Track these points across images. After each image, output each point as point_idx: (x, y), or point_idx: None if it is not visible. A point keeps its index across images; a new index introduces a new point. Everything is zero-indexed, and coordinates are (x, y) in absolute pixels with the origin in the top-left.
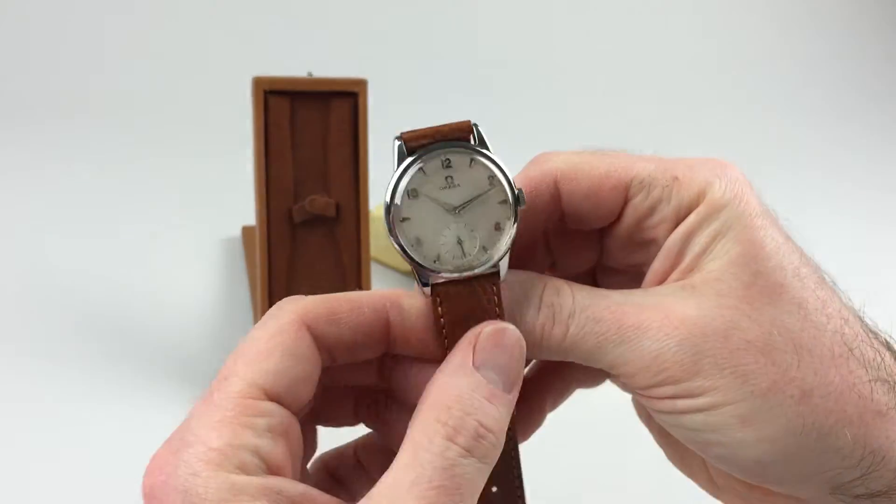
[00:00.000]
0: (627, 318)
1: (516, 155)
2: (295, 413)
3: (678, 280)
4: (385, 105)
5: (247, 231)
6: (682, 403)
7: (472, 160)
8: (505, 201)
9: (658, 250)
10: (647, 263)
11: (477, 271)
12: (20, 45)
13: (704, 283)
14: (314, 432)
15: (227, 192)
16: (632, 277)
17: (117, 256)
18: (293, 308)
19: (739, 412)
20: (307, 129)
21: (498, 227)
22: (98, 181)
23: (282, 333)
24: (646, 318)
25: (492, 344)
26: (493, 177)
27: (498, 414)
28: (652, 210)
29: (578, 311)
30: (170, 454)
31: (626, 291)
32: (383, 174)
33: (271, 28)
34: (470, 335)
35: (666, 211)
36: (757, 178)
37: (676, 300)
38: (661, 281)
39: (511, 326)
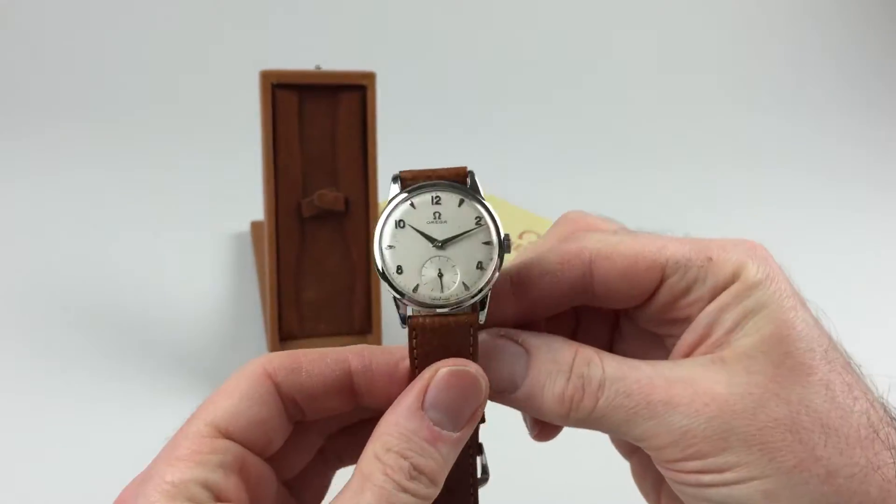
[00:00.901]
0: (657, 392)
1: (523, 148)
2: (257, 452)
3: (707, 353)
4: (394, 98)
5: (255, 226)
6: (708, 478)
7: (461, 200)
8: (489, 242)
9: (688, 326)
10: (673, 336)
11: (453, 309)
12: (32, 42)
13: (735, 359)
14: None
15: (236, 187)
16: (650, 342)
17: (126, 252)
18: (258, 361)
19: (765, 487)
20: (315, 122)
21: (480, 266)
22: (107, 177)
23: (243, 379)
24: (675, 393)
25: (445, 384)
26: (480, 218)
27: (437, 455)
28: (688, 290)
29: (609, 383)
30: (135, 486)
31: (654, 363)
32: (393, 168)
33: (279, 21)
34: (426, 373)
35: (702, 291)
36: (762, 176)
37: (706, 375)
38: (689, 353)
39: (471, 367)
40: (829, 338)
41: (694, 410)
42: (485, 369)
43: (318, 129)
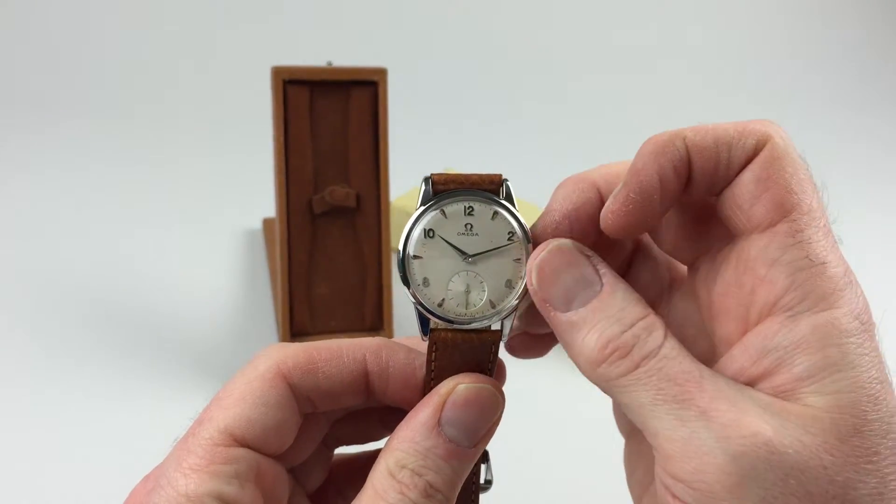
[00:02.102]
0: (700, 396)
1: (534, 145)
2: (271, 454)
3: (772, 394)
4: (405, 94)
5: (268, 223)
6: None
7: (495, 213)
8: (520, 260)
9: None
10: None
11: (478, 325)
12: (45, 41)
13: (799, 415)
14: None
15: (249, 184)
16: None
17: (139, 249)
18: (272, 357)
19: None
20: (327, 118)
21: (509, 285)
22: (121, 174)
23: (257, 381)
24: (717, 407)
25: (463, 402)
26: (513, 233)
27: (451, 472)
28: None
29: (658, 358)
30: (144, 493)
31: (718, 373)
32: (404, 164)
33: (291, 17)
34: (443, 388)
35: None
36: None
37: (759, 411)
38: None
39: (489, 386)
40: None
41: (726, 435)
42: (550, 277)
43: (329, 125)
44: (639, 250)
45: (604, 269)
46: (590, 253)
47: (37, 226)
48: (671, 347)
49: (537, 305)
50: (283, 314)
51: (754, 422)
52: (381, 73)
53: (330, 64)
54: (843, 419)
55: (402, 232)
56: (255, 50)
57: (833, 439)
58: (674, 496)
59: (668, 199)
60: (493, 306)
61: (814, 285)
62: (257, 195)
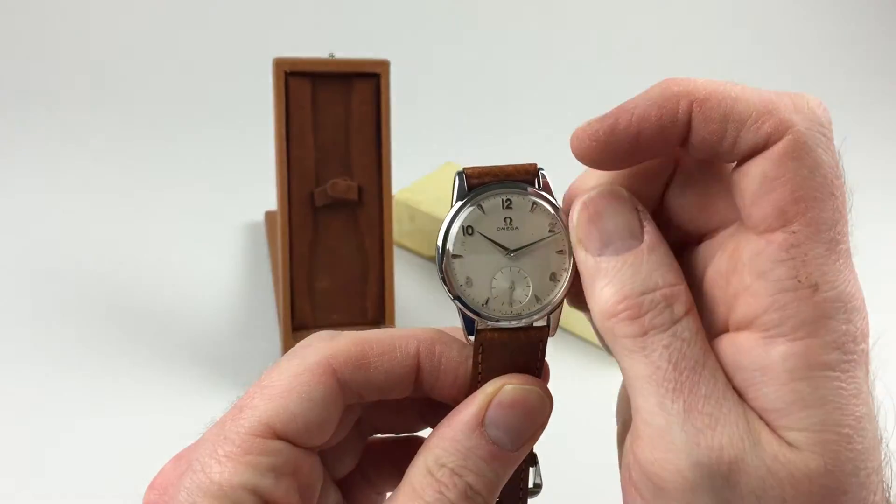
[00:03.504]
0: (691, 391)
1: (540, 135)
2: (312, 448)
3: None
4: (408, 86)
5: (270, 216)
6: None
7: (534, 204)
8: (563, 251)
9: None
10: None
11: (525, 322)
12: (43, 31)
13: (771, 444)
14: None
15: (251, 176)
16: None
17: (141, 242)
18: (323, 349)
19: None
20: (329, 111)
21: (553, 278)
22: (122, 167)
23: (305, 374)
24: (701, 409)
25: (509, 403)
26: (554, 224)
27: (492, 474)
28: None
29: (668, 334)
30: (175, 476)
31: (719, 369)
32: (406, 157)
33: (292, 9)
34: (489, 388)
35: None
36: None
37: (740, 427)
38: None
39: (536, 388)
40: (882, 451)
41: (697, 441)
42: (594, 216)
43: (331, 117)
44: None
45: (649, 227)
46: (640, 207)
47: (37, 218)
48: (687, 328)
49: (571, 242)
50: (284, 307)
51: (729, 436)
52: (384, 65)
53: (332, 56)
54: (812, 458)
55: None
56: (256, 41)
57: (801, 475)
58: (630, 476)
59: (654, 151)
60: (539, 301)
61: (795, 310)
62: (260, 188)
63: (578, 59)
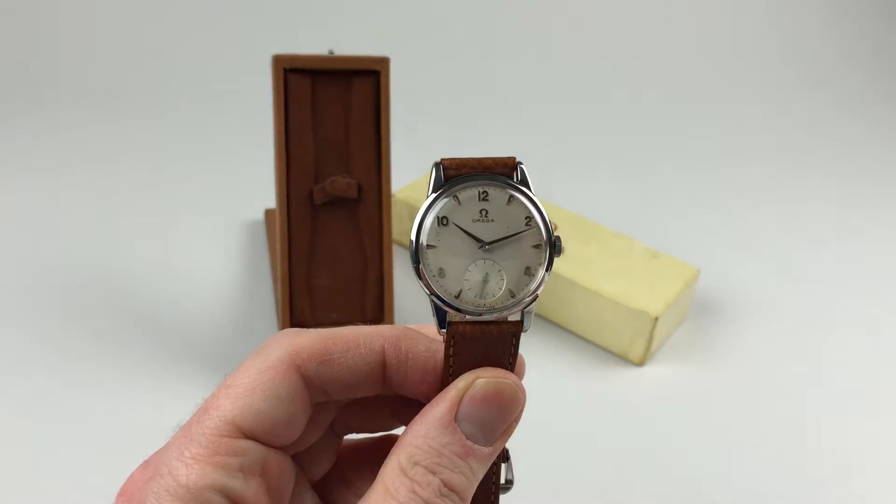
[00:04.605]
0: None
1: (541, 134)
2: (279, 447)
3: None
4: (408, 84)
5: (269, 214)
6: None
7: (510, 197)
8: (539, 246)
9: None
10: None
11: (498, 315)
12: (42, 28)
13: None
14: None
15: (251, 174)
16: None
17: (140, 240)
18: (286, 345)
19: None
20: (328, 108)
21: (528, 272)
22: (122, 164)
23: (269, 371)
24: None
25: (482, 398)
26: (530, 218)
27: (467, 471)
28: None
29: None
30: (143, 481)
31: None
32: (406, 155)
33: (292, 5)
34: (461, 382)
35: None
36: (788, 170)
37: None
38: None
39: (509, 381)
40: None
41: None
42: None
43: (330, 114)
44: None
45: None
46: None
47: (35, 215)
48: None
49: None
50: (283, 305)
51: None
52: (384, 62)
53: (331, 52)
54: None
55: (412, 222)
56: (255, 38)
57: None
58: None
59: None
60: (513, 295)
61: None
62: (259, 185)
63: (578, 59)
